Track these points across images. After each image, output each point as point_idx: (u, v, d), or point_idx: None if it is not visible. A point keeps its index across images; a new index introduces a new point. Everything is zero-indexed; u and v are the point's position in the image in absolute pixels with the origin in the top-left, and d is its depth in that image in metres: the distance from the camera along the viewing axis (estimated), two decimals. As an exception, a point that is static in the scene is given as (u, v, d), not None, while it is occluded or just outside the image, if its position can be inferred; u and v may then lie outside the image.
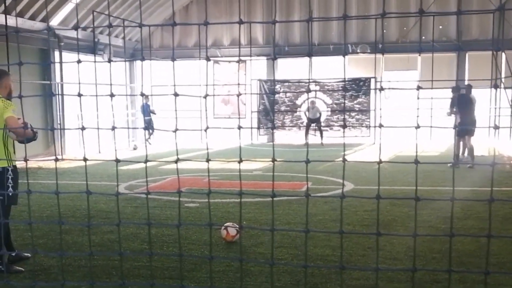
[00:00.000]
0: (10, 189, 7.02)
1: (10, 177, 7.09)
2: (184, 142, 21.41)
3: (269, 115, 26.72)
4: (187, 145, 22.30)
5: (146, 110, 24.69)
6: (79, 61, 4.00)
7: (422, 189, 12.55)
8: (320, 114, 25.24)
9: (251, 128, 26.39)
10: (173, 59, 4.03)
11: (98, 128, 4.39)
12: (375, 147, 23.49)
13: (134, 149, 24.76)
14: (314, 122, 24.97)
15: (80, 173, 16.20)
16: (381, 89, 3.45)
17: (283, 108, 26.76)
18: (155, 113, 25.08)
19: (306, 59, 25.66)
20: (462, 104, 16.07)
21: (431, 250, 7.74)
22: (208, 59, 4.23)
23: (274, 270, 6.98)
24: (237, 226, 8.42)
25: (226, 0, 27.34)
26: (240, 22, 3.69)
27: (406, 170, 15.02)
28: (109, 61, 3.99)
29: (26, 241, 8.60)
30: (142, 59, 4.60)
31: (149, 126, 24.82)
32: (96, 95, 4.12)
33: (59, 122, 21.99)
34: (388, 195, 11.52)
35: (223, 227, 8.35)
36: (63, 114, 21.95)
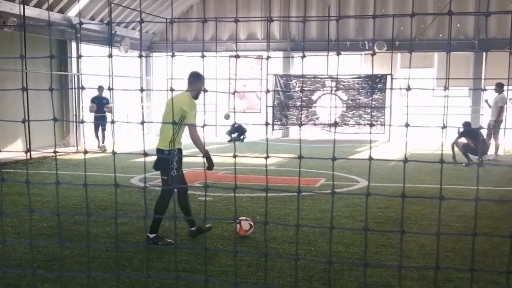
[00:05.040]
0: (174, 170, 7.88)
1: (174, 160, 7.86)
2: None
3: (284, 110, 26.67)
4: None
5: (100, 105, 20.40)
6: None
7: (436, 187, 12.52)
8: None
9: (266, 124, 26.26)
10: (172, 54, 4.03)
11: (112, 122, 4.41)
12: (390, 144, 23.39)
13: (104, 150, 19.88)
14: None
15: (95, 164, 16.27)
16: (408, 88, 3.42)
17: (298, 103, 26.67)
18: (111, 111, 20.16)
19: (323, 54, 25.53)
20: (471, 135, 16.67)
21: (444, 249, 7.72)
22: (203, 52, 4.23)
23: (286, 266, 7.00)
24: (250, 220, 8.44)
25: (244, -6, 27.32)
26: (263, 19, 3.68)
27: (420, 168, 14.97)
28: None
29: (41, 231, 8.66)
30: (144, 53, 4.61)
31: (100, 125, 20.43)
32: (113, 89, 4.14)
33: (74, 113, 22.07)
34: (401, 193, 11.48)
35: (236, 221, 8.36)
36: (79, 105, 21.93)
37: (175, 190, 8.05)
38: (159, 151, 7.91)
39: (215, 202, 10.93)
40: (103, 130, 20.58)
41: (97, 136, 20.56)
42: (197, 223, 8.41)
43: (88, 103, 20.23)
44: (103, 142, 20.41)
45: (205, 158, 7.71)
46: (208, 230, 8.44)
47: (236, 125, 23.45)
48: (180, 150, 8.04)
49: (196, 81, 8.12)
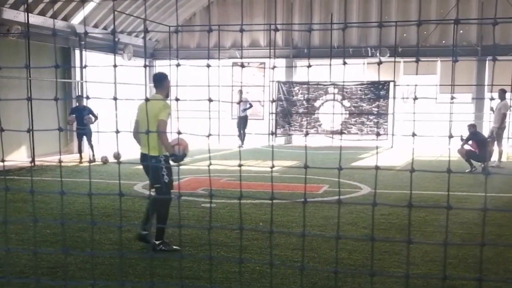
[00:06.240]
0: (166, 176, 7.86)
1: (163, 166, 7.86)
2: (202, 143, 21.40)
3: (287, 117, 26.68)
4: (205, 145, 22.28)
5: (80, 117, 18.69)
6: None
7: (439, 194, 12.50)
8: None
9: (270, 133, 26.35)
10: (178, 65, 4.05)
11: (117, 132, 4.42)
12: (393, 151, 23.36)
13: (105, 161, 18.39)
14: None
15: (98, 171, 16.31)
16: (415, 98, 3.39)
17: (301, 110, 26.69)
18: (92, 122, 18.88)
19: (326, 61, 25.53)
20: (478, 139, 16.76)
21: (447, 255, 7.68)
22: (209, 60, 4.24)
23: (289, 272, 7.00)
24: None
25: (247, 1, 27.30)
26: (268, 28, 3.70)
27: (422, 174, 14.93)
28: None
29: (44, 238, 8.68)
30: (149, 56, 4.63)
31: (86, 137, 19.07)
32: (117, 99, 4.16)
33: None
34: (405, 200, 11.51)
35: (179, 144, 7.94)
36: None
37: (152, 194, 8.02)
38: (144, 157, 7.86)
39: (218, 208, 10.92)
40: (89, 140, 19.03)
41: (80, 148, 19.24)
42: (151, 235, 8.04)
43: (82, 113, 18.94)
44: (93, 153, 18.76)
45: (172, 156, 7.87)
46: (174, 250, 8.00)
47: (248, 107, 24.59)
48: (167, 158, 7.95)
49: (164, 80, 8.18)
